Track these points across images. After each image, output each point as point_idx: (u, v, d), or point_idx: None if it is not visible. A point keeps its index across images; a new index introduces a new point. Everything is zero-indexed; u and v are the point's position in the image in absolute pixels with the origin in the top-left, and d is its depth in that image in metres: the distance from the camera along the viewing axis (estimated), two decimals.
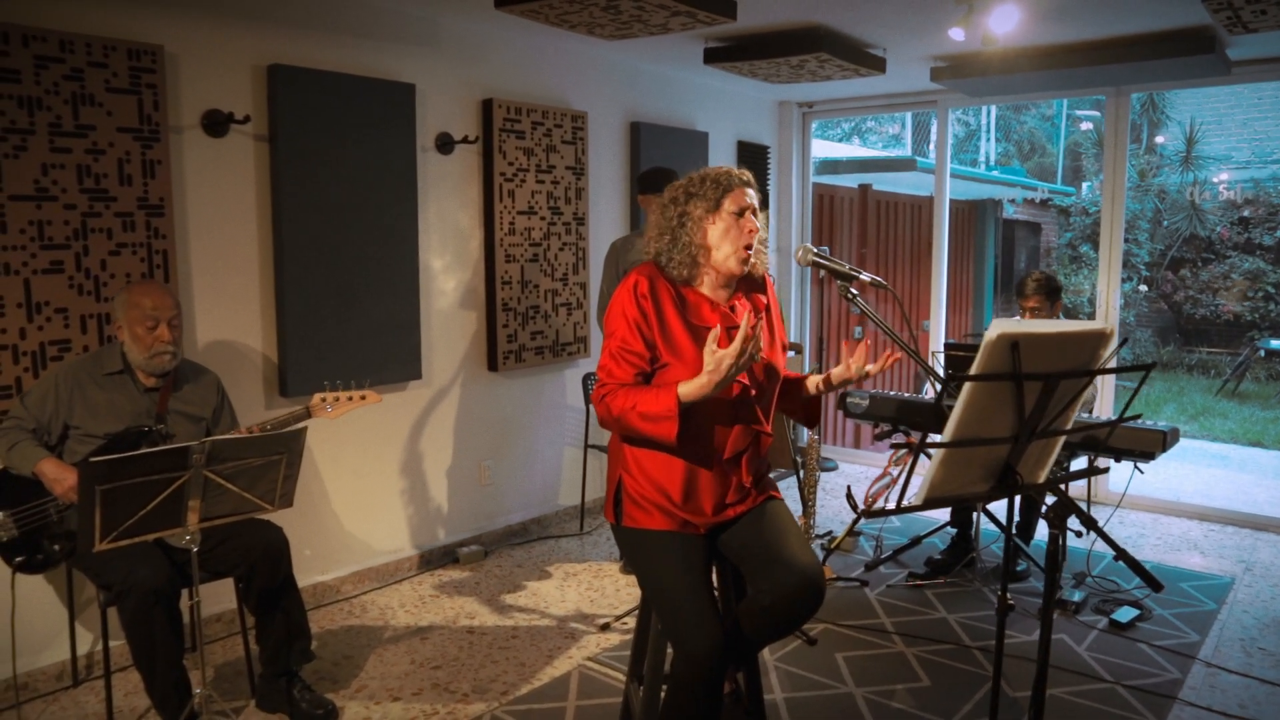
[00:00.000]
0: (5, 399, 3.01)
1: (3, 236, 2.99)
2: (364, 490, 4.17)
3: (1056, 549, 1.92)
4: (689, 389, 2.12)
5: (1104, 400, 5.30)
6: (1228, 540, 4.89)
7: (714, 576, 2.41)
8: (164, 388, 2.96)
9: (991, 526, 4.68)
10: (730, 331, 2.29)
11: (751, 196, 2.31)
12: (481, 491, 4.70)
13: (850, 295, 2.26)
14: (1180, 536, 4.94)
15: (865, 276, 2.24)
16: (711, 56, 4.72)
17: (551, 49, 4.76)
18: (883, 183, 8.53)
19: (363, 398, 3.09)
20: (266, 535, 2.96)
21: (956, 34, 3.84)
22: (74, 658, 3.25)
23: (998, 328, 1.52)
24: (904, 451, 1.86)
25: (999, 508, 4.47)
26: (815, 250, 2.32)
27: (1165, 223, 12.81)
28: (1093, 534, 4.65)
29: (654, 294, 2.28)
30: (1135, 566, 1.78)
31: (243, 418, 3.28)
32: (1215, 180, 12.81)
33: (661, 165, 4.46)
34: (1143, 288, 12.89)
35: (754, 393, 2.32)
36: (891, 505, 1.66)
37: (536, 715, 3.05)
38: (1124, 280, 12.24)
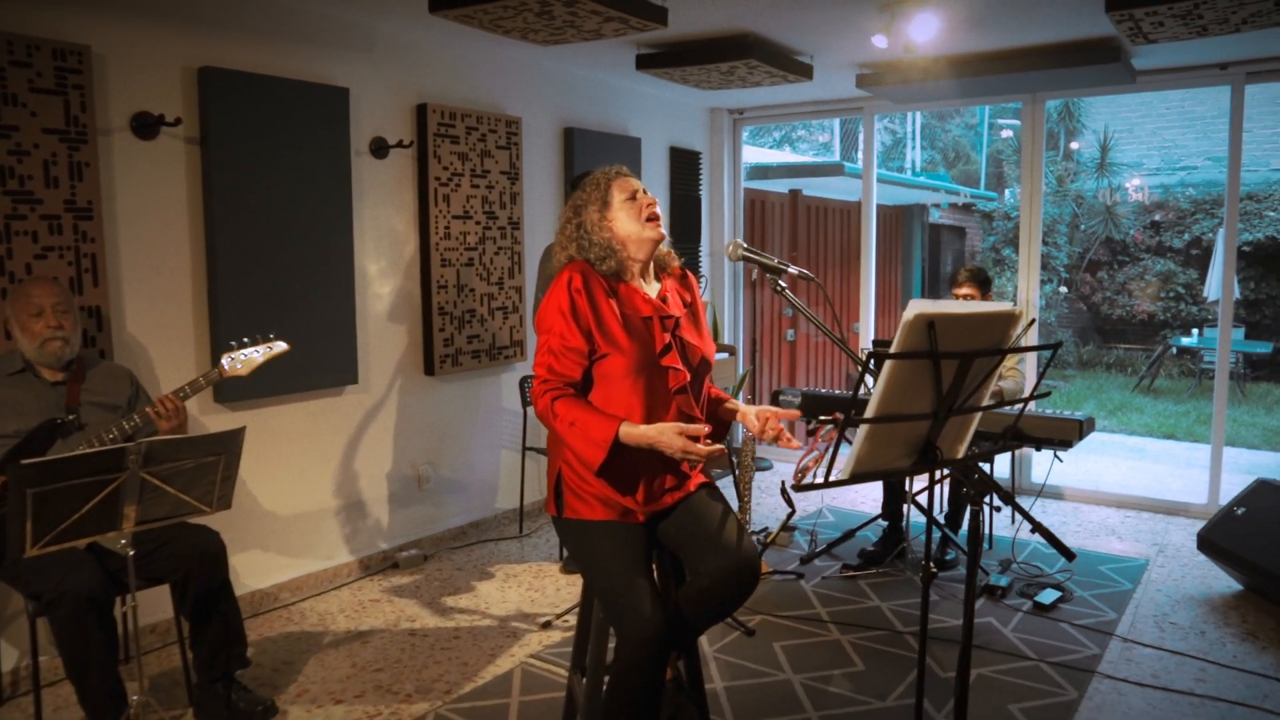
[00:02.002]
0: None
1: None
2: (301, 496, 4.14)
3: (978, 524, 2.02)
4: (630, 433, 2.20)
5: (1029, 393, 5.52)
6: (1143, 525, 5.12)
7: (654, 566, 2.47)
8: (71, 380, 2.91)
9: (922, 519, 4.82)
10: (664, 320, 2.37)
11: (633, 182, 2.44)
12: (420, 496, 4.69)
13: (780, 288, 2.35)
14: (1099, 523, 5.17)
15: (793, 270, 2.33)
16: (644, 63, 4.81)
17: (486, 55, 4.79)
18: (812, 188, 8.73)
19: (270, 349, 3.04)
20: (202, 540, 2.93)
21: (879, 41, 3.99)
22: None
23: (915, 308, 1.61)
24: (830, 427, 1.95)
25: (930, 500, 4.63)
26: (745, 246, 2.40)
27: (1083, 226, 13.32)
28: (1016, 523, 4.81)
29: (587, 287, 2.34)
30: (1050, 538, 1.89)
31: None
32: (1128, 186, 13.37)
33: (593, 170, 4.52)
34: (1063, 289, 13.38)
35: (688, 378, 2.39)
36: (820, 480, 1.73)
37: (480, 712, 3.07)
38: (1044, 282, 12.71)
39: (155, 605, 3.47)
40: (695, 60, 4.63)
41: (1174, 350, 12.18)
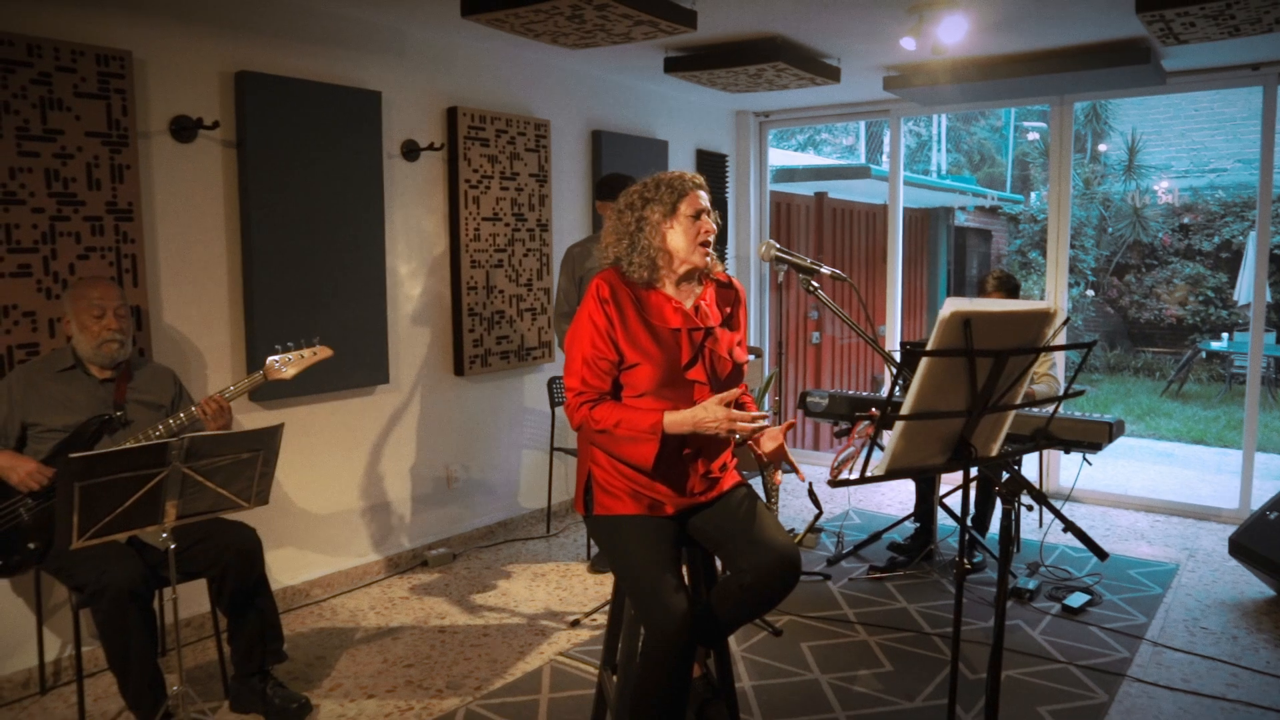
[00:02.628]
0: None
1: None
2: (332, 494, 4.20)
3: (1010, 523, 2.03)
4: (673, 420, 2.24)
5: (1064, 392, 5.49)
6: (1173, 530, 5.08)
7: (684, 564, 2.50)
8: (119, 378, 2.99)
9: (949, 521, 4.82)
10: (692, 334, 2.39)
11: (704, 199, 2.42)
12: (449, 495, 4.74)
13: (812, 288, 2.36)
14: (1128, 527, 5.13)
15: (825, 270, 2.35)
16: (672, 66, 4.84)
17: (515, 58, 4.84)
18: (838, 190, 8.72)
19: (315, 353, 3.13)
20: (240, 536, 2.98)
21: (908, 43, 3.99)
22: (42, 664, 3.23)
23: (951, 306, 1.63)
24: (866, 423, 1.97)
25: (954, 502, 4.62)
26: (778, 246, 2.42)
27: (1110, 229, 13.21)
28: (1045, 526, 4.79)
29: (615, 298, 2.37)
30: (1082, 536, 1.90)
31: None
32: (1156, 188, 13.25)
33: (619, 172, 4.55)
34: (1090, 293, 13.27)
35: (710, 393, 2.41)
36: (855, 476, 1.75)
37: (510, 708, 3.10)
38: (1071, 285, 12.63)
39: (193, 599, 3.53)
40: (723, 63, 4.65)
41: (1203, 354, 12.05)
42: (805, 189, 8.48)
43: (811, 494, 4.39)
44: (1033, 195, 14.33)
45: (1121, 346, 13.40)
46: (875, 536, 4.68)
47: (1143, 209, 12.98)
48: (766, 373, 6.37)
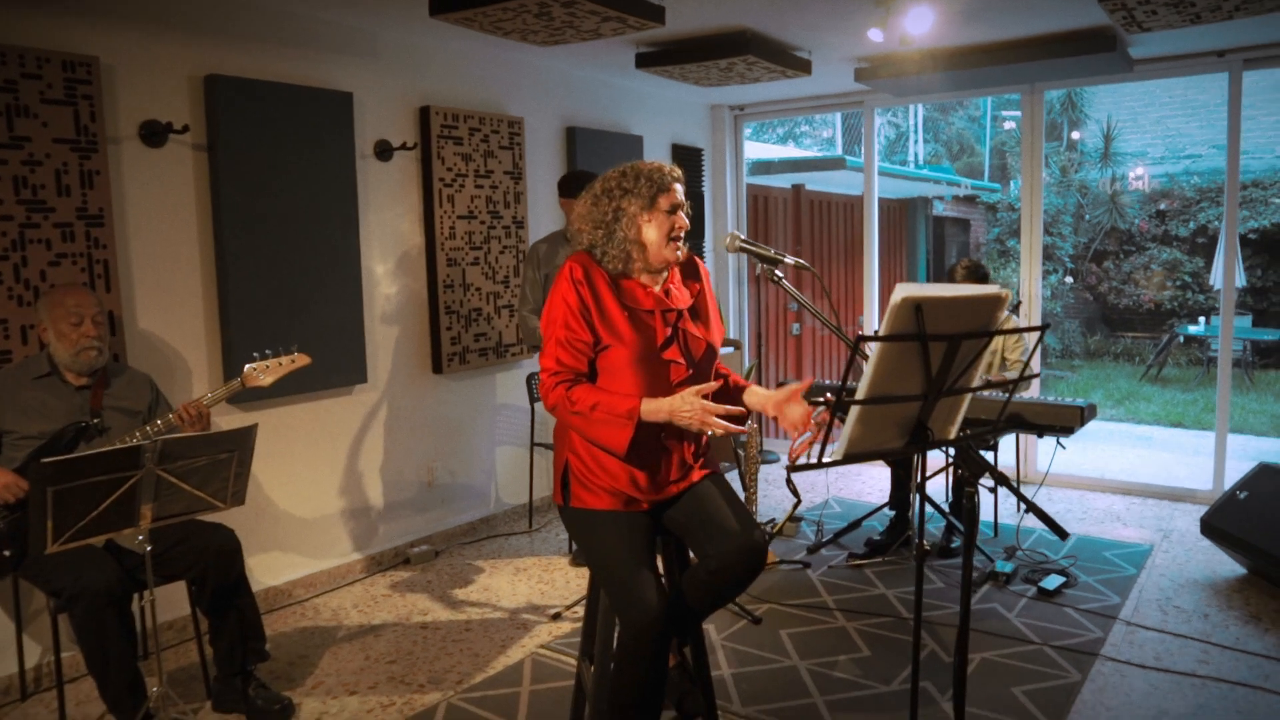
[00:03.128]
0: None
1: None
2: (312, 494, 4.21)
3: (973, 505, 2.07)
4: (650, 407, 2.23)
5: (1035, 383, 5.55)
6: (1148, 512, 5.15)
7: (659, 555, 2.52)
8: (95, 385, 2.99)
9: (930, 509, 4.86)
10: (665, 315, 2.40)
11: (681, 192, 2.42)
12: (430, 492, 4.76)
13: (776, 278, 2.39)
14: (1105, 510, 5.20)
15: (790, 260, 2.38)
16: (643, 61, 4.86)
17: (487, 57, 4.85)
18: (815, 183, 8.77)
19: (293, 360, 3.12)
20: (218, 537, 3.00)
21: (875, 35, 4.03)
22: (22, 670, 3.24)
23: (901, 292, 1.66)
24: (822, 409, 1.99)
25: (935, 491, 4.68)
26: (742, 238, 2.45)
27: (1088, 217, 13.32)
28: (1020, 511, 4.85)
29: (589, 280, 2.37)
30: (1042, 516, 1.94)
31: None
32: (1132, 175, 13.37)
33: (581, 170, 4.58)
34: (1069, 279, 13.38)
35: (692, 373, 2.43)
36: (814, 461, 1.78)
37: (491, 701, 3.13)
38: (1050, 273, 12.72)
39: (174, 602, 3.54)
40: (693, 58, 4.68)
41: (1181, 339, 12.18)
42: (783, 181, 8.52)
43: (790, 483, 4.44)
44: (1010, 184, 14.43)
45: (1101, 332, 13.52)
46: (855, 524, 4.72)
47: (1119, 195, 13.09)
48: (746, 364, 6.41)
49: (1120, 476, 5.91)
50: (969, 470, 2.01)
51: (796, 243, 8.10)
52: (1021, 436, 5.57)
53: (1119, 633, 3.57)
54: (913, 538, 4.53)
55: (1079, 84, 6.55)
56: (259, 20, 3.85)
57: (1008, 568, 4.14)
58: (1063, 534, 1.95)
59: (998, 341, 4.48)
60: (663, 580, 2.37)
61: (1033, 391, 5.55)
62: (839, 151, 13.34)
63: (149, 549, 2.56)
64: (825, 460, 1.78)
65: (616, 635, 2.37)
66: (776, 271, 2.40)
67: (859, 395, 1.76)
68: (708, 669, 2.66)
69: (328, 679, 3.32)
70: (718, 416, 2.18)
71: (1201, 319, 12.11)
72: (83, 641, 2.72)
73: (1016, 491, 1.98)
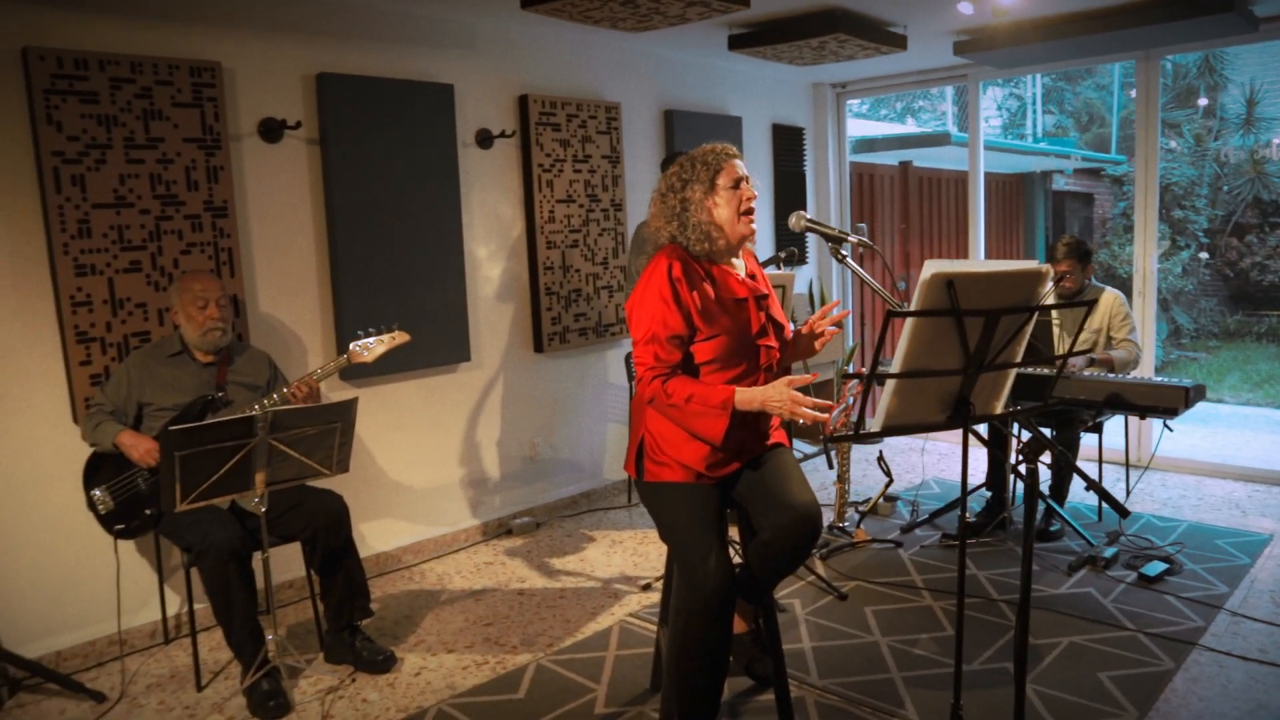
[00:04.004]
0: (97, 386, 3.36)
1: (89, 241, 3.34)
2: (420, 466, 4.47)
3: (1035, 482, 2.07)
4: (743, 397, 2.30)
5: (1146, 363, 5.33)
6: (1271, 499, 4.89)
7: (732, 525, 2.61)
8: (221, 362, 3.29)
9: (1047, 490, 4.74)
10: (758, 300, 2.47)
11: (741, 167, 2.46)
12: (532, 466, 4.96)
13: (841, 256, 2.43)
14: (1223, 497, 4.96)
15: (854, 238, 2.42)
16: (735, 43, 4.89)
17: (582, 43, 4.99)
18: (924, 159, 8.57)
19: (394, 338, 3.38)
20: (329, 502, 3.25)
21: (965, 7, 3.95)
22: (164, 618, 3.60)
23: (930, 268, 1.69)
24: (857, 382, 2.03)
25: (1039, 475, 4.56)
26: (808, 217, 2.50)
27: (1226, 188, 12.49)
28: (1128, 495, 4.67)
29: (687, 274, 2.43)
30: (1102, 493, 1.93)
31: None
32: (1277, 142, 12.44)
33: (679, 151, 4.64)
34: (1203, 255, 12.60)
35: (779, 355, 2.51)
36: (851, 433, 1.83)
37: (578, 663, 3.29)
38: (1182, 248, 12.00)
39: (289, 563, 3.85)
40: (784, 38, 4.68)
41: None
42: (889, 159, 8.36)
43: (881, 463, 4.43)
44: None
45: (1242, 311, 12.69)
46: (951, 505, 4.67)
47: (1263, 164, 12.22)
48: (849, 344, 6.38)
49: (1248, 463, 5.60)
50: (1029, 448, 2.01)
51: (903, 221, 7.96)
52: (1128, 418, 5.35)
53: (1222, 623, 3.44)
54: (1009, 520, 4.45)
55: (1198, 48, 6.17)
56: (363, 19, 4.09)
57: (1109, 552, 4.03)
58: (1124, 512, 1.94)
59: (1102, 320, 4.34)
60: (733, 549, 2.46)
61: (1144, 371, 5.34)
62: (952, 126, 12.93)
63: (263, 510, 2.82)
64: (863, 432, 1.83)
65: (677, 598, 2.44)
66: (841, 250, 2.44)
67: (893, 368, 1.80)
68: (778, 636, 2.73)
69: (429, 637, 3.56)
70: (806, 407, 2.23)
71: None
72: (210, 593, 3.02)
73: (1079, 470, 1.97)
